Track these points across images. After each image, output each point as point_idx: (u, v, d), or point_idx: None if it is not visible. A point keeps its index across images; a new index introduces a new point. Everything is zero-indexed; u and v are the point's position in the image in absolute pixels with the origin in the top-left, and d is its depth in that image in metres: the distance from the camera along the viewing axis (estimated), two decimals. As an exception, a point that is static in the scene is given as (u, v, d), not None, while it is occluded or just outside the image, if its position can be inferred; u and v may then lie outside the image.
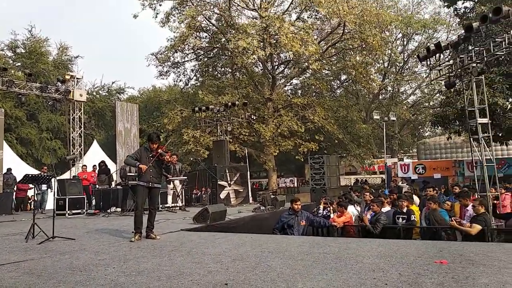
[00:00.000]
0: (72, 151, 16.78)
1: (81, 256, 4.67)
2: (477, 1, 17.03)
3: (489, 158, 9.31)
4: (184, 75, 24.97)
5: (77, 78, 16.34)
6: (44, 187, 12.50)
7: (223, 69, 25.54)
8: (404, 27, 24.63)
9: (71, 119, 16.91)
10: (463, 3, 18.77)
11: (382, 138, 24.77)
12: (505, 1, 13.60)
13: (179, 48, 21.74)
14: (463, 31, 9.20)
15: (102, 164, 13.68)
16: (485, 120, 9.16)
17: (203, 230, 6.92)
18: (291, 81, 25.90)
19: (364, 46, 20.59)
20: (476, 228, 5.93)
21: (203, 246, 5.06)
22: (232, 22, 20.79)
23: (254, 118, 20.16)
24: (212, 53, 23.84)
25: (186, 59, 23.90)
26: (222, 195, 13.20)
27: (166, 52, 22.30)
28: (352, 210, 8.03)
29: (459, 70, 9.12)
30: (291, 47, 17.71)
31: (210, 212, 7.66)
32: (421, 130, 36.15)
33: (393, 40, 28.95)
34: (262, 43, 19.38)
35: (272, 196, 11.51)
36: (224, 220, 8.07)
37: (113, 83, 32.16)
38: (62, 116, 25.24)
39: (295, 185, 31.45)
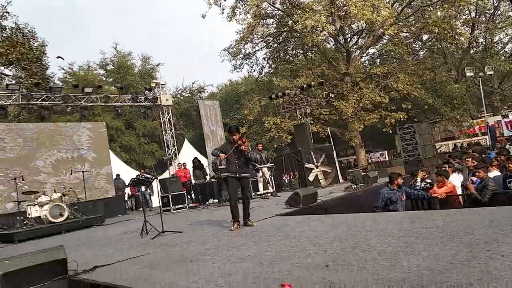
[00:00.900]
0: (168, 151, 18.15)
1: (189, 247, 5.08)
2: None
3: None
4: (257, 65, 25.31)
5: (161, 85, 17.56)
6: (143, 188, 13.79)
7: (294, 51, 25.24)
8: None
9: (161, 123, 18.28)
10: None
11: (480, 96, 22.39)
12: None
13: (249, 39, 22.02)
14: None
15: (196, 160, 14.61)
16: None
17: (297, 213, 7.02)
18: (367, 51, 24.64)
19: (444, -2, 18.68)
20: None
21: (299, 230, 5.15)
22: (297, 2, 20.40)
23: (333, 96, 19.65)
24: (281, 38, 23.68)
25: (257, 48, 24.14)
26: (311, 177, 13.21)
27: (237, 45, 22.75)
28: (455, 179, 7.44)
29: None
30: (362, 16, 16.83)
31: (301, 195, 7.73)
32: (526, 80, 31.78)
33: (479, -15, 25.73)
34: (330, 18, 18.70)
35: (363, 173, 11.20)
36: (316, 202, 8.08)
37: (193, 83, 34.04)
38: (154, 121, 27.46)
39: (386, 158, 30.05)
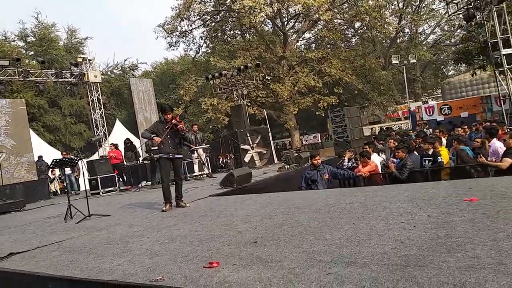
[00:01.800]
0: (97, 132, 17.17)
1: (117, 230, 4.87)
2: None
3: (517, 89, 8.90)
4: (193, 44, 24.67)
5: (89, 60, 16.40)
6: (68, 170, 12.96)
7: (232, 32, 24.96)
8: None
9: (90, 101, 17.18)
10: None
11: (404, 83, 24.06)
12: None
13: (185, 16, 21.34)
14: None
15: (127, 141, 13.98)
16: (509, 50, 8.69)
17: (231, 194, 7.05)
18: (303, 36, 25.14)
19: (375, -12, 19.57)
20: (507, 162, 5.77)
21: (231, 209, 5.17)
22: (235, -19, 20.06)
23: (269, 78, 19.86)
24: (219, 17, 23.25)
25: (193, 26, 23.48)
26: (246, 158, 13.33)
27: (172, 21, 21.94)
28: (376, 158, 7.96)
29: (478, 0, 8.58)
30: (299, 0, 17.03)
31: (236, 175, 7.77)
32: (444, 70, 34.81)
33: (407, -23, 27.35)
34: (268, 0, 18.71)
35: (296, 154, 11.53)
36: (250, 182, 8.18)
37: (125, 60, 32.25)
38: (82, 99, 25.69)
39: (319, 140, 31.32)
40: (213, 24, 23.63)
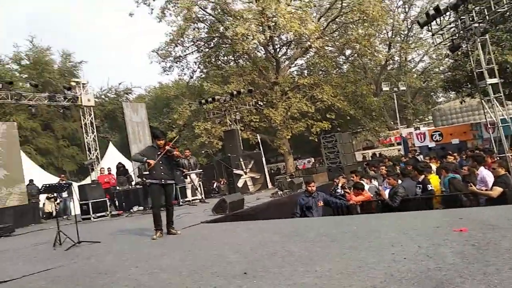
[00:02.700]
0: (89, 156, 17.06)
1: (106, 258, 4.79)
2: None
3: (503, 118, 9.09)
4: (187, 68, 24.88)
5: (82, 84, 16.45)
6: (65, 194, 12.83)
7: (225, 58, 25.34)
8: (403, -7, 23.98)
9: (83, 125, 17.14)
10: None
11: (395, 109, 24.44)
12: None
13: (179, 41, 21.68)
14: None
15: (120, 165, 13.91)
16: (495, 80, 8.93)
17: (223, 220, 7.01)
18: (295, 62, 25.56)
19: (364, 18, 20.11)
20: (497, 190, 5.82)
21: (223, 237, 5.14)
22: (228, 9, 20.55)
23: (262, 103, 20.07)
24: (212, 43, 23.65)
25: (187, 52, 23.76)
26: (240, 183, 13.30)
27: (166, 47, 22.24)
28: (369, 187, 7.98)
29: (462, 32, 8.87)
30: (290, 28, 17.46)
31: (228, 202, 7.74)
32: (434, 97, 35.46)
33: (394, 8, 28.28)
34: (260, 27, 19.14)
35: (289, 180, 11.54)
36: (243, 209, 8.15)
37: (119, 84, 32.41)
38: (75, 122, 25.62)
39: (313, 165, 31.36)
40: (207, 50, 24.00)
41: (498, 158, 7.80)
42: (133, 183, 13.34)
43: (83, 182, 15.93)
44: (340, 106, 21.28)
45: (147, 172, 9.42)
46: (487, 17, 8.52)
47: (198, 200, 11.45)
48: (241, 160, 13.71)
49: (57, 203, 12.44)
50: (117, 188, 13.22)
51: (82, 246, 5.99)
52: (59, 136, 26.43)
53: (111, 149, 20.62)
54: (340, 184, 8.64)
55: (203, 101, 18.28)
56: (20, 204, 12.58)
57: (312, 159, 32.40)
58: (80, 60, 30.06)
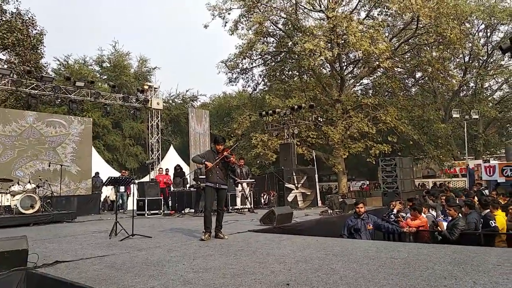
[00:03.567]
0: (151, 156, 18.01)
1: (155, 252, 5.02)
2: None
3: None
4: (252, 81, 25.50)
5: (154, 88, 17.56)
6: (122, 189, 13.64)
7: (290, 72, 25.58)
8: (487, 17, 22.58)
9: (149, 126, 18.19)
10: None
11: (464, 138, 22.92)
12: None
13: (247, 54, 22.28)
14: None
15: (178, 167, 14.53)
16: None
17: (269, 231, 7.00)
18: (361, 81, 25.08)
19: (441, 40, 19.26)
20: None
21: (268, 247, 5.14)
22: (298, 25, 20.81)
23: (322, 120, 19.87)
24: (279, 57, 24.03)
25: (254, 64, 24.39)
26: (290, 198, 13.23)
27: (235, 59, 22.98)
28: (426, 216, 7.55)
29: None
30: (360, 46, 17.21)
31: (277, 214, 7.73)
32: (510, 129, 32.68)
33: (475, 32, 26.71)
34: (329, 44, 19.09)
35: (341, 200, 11.26)
36: (290, 222, 8.09)
37: (187, 91, 34.01)
38: (142, 123, 27.29)
39: (368, 188, 30.27)
40: (273, 63, 24.43)
41: None
42: (188, 185, 13.83)
43: (142, 180, 16.83)
44: (404, 130, 20.42)
45: (203, 176, 9.78)
46: None
47: (247, 209, 11.56)
48: (293, 174, 13.65)
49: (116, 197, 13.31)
50: (173, 188, 13.81)
51: (135, 238, 6.32)
52: (126, 135, 28.30)
53: (172, 152, 21.59)
54: (396, 209, 8.28)
55: (263, 113, 18.54)
56: (85, 194, 13.63)
57: (367, 181, 31.32)
58: (154, 66, 32.15)
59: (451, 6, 18.32)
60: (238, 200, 11.75)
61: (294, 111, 17.18)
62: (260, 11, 20.69)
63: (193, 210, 11.78)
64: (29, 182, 10.61)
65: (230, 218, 9.24)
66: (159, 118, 18.12)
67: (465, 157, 23.69)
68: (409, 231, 6.57)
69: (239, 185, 11.55)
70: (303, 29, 20.20)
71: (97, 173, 14.96)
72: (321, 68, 23.84)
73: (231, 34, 21.60)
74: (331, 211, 10.20)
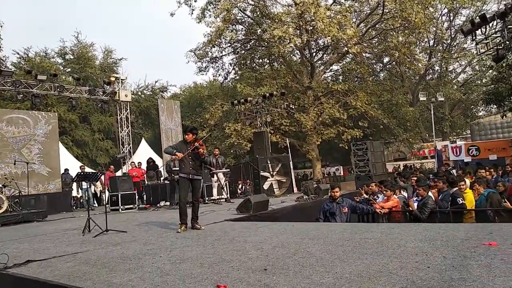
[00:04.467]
0: (122, 150, 17.62)
1: (131, 246, 4.94)
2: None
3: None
4: (222, 70, 25.26)
5: (121, 79, 17.07)
6: (85, 185, 13.28)
7: (260, 60, 25.51)
8: (449, 1, 23.19)
9: (118, 119, 17.74)
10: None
11: (431, 120, 23.72)
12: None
13: (216, 42, 22.00)
14: (512, -1, 8.55)
15: (150, 161, 14.28)
16: (541, 94, 8.48)
17: (246, 220, 7.04)
18: (331, 67, 25.34)
19: (406, 25, 19.65)
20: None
21: (245, 235, 5.16)
22: (267, 12, 20.71)
23: (294, 107, 19.99)
24: (249, 45, 23.87)
25: (224, 53, 24.15)
26: (265, 186, 13.30)
27: (204, 47, 22.64)
28: (399, 196, 7.78)
29: (508, 42, 8.50)
30: (329, 32, 17.33)
31: (253, 202, 7.77)
32: (474, 110, 34.08)
33: (438, 16, 27.42)
34: (298, 31, 19.13)
35: (315, 185, 11.44)
36: (266, 210, 8.15)
37: (156, 82, 33.31)
38: (111, 117, 26.57)
39: (341, 173, 30.92)
40: (243, 51, 24.25)
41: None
42: (162, 178, 13.65)
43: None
44: (374, 114, 20.87)
45: (177, 168, 9.66)
46: (535, 27, 8.16)
47: (224, 199, 11.55)
48: (268, 162, 13.72)
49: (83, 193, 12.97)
50: (146, 182, 13.59)
51: (110, 234, 6.19)
52: (95, 129, 27.52)
53: (143, 145, 21.23)
54: (371, 191, 8.44)
55: (235, 102, 18.46)
56: (55, 191, 13.20)
57: (341, 166, 31.94)
58: (120, 57, 31.24)
59: (416, -9, 18.69)
60: (215, 191, 11.71)
61: (266, 99, 17.19)
62: (228, -2, 20.42)
63: (168, 203, 11.66)
64: (-6, 182, 10.16)
65: (206, 209, 9.21)
66: (128, 110, 17.70)
67: (433, 139, 24.56)
68: (382, 211, 6.75)
69: (215, 175, 11.50)
70: (271, 16, 20.13)
71: (66, 170, 14.51)
72: (291, 55, 23.90)
73: (198, 22, 21.27)
74: (307, 197, 10.35)
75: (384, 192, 7.48)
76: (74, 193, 15.10)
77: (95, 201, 14.96)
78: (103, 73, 27.37)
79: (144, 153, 19.15)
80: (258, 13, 21.59)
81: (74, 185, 14.16)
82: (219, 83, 27.46)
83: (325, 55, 24.59)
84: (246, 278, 2.98)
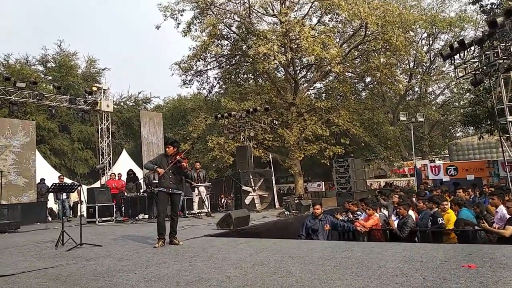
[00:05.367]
0: (102, 160, 17.26)
1: (105, 262, 4.76)
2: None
3: (523, 157, 8.87)
4: (207, 83, 25.20)
5: (103, 89, 16.85)
6: (64, 196, 12.89)
7: (245, 75, 25.63)
8: (428, 26, 24.01)
9: (99, 130, 17.43)
10: (489, -1, 18.14)
11: (411, 140, 24.17)
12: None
13: (201, 56, 22.02)
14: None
15: (130, 172, 14.02)
16: (516, 118, 8.76)
17: (226, 235, 6.92)
18: (314, 85, 25.66)
19: (387, 47, 20.16)
20: (510, 229, 5.63)
21: (224, 252, 5.06)
22: (252, 29, 20.90)
23: (277, 123, 20.08)
24: (234, 60, 23.99)
25: (209, 67, 24.14)
26: (247, 200, 13.19)
27: (189, 61, 22.60)
28: (379, 214, 7.81)
29: (485, 67, 8.79)
30: (312, 51, 17.57)
31: (233, 217, 7.66)
32: (452, 131, 35.00)
33: (418, 40, 28.29)
34: (283, 48, 19.35)
35: (297, 201, 11.40)
36: (247, 226, 8.05)
37: (139, 93, 32.91)
38: (92, 126, 26.03)
39: (323, 189, 31.01)
40: (228, 66, 24.34)
41: (514, 197, 7.54)
42: (142, 190, 13.37)
43: (92, 186, 16.08)
44: (356, 132, 21.14)
45: (156, 181, 9.48)
46: (512, 54, 8.45)
47: (204, 214, 11.38)
48: (250, 177, 13.64)
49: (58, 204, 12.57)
50: (125, 194, 13.28)
51: (84, 248, 5.98)
52: (75, 139, 26.89)
53: (124, 156, 20.83)
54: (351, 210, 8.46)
55: (219, 115, 18.41)
56: (29, 202, 12.77)
57: (323, 182, 32.06)
58: (104, 66, 30.88)
59: (396, 15, 19.23)
60: (195, 205, 11.53)
61: (249, 114, 17.21)
62: (214, 14, 20.55)
63: (147, 216, 11.40)
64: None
65: (186, 223, 9.04)
66: (110, 121, 17.42)
67: (412, 158, 24.97)
68: (362, 229, 6.76)
69: (196, 189, 11.34)
70: (256, 32, 20.32)
71: (42, 180, 14.06)
72: (276, 72, 24.09)
73: (184, 36, 21.27)
74: (288, 213, 10.29)
75: (367, 210, 7.51)
76: (51, 204, 14.63)
77: (71, 213, 14.50)
78: (85, 83, 26.91)
79: (124, 164, 18.76)
80: (244, 29, 21.77)
81: (51, 195, 13.73)
82: (203, 97, 27.38)
83: (308, 73, 24.93)
84: (223, 299, 2.89)
